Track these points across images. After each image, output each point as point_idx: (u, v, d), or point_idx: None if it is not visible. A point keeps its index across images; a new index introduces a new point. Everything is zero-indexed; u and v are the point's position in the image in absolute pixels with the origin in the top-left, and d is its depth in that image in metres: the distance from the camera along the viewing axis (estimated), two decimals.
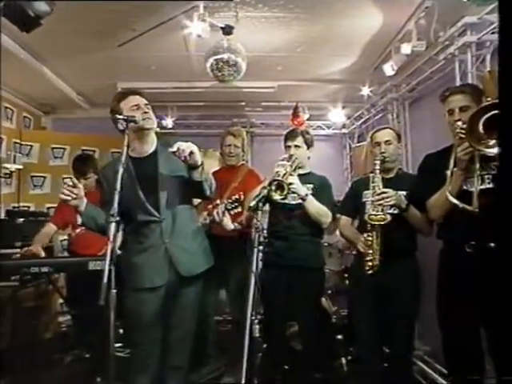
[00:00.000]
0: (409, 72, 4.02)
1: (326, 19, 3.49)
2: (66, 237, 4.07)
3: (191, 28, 3.14)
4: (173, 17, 3.18)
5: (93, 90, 5.27)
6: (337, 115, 5.50)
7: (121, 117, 2.10)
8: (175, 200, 2.24)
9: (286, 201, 2.71)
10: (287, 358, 3.12)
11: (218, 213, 2.85)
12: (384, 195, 2.39)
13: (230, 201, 2.89)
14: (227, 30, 3.45)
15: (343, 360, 3.53)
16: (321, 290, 3.05)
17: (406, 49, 3.41)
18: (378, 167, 2.52)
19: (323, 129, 5.96)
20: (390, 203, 2.40)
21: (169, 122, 5.72)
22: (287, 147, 2.86)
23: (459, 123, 2.01)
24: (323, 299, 3.63)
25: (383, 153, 2.59)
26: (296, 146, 2.83)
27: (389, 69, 3.75)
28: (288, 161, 2.61)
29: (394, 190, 2.45)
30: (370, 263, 2.44)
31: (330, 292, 3.99)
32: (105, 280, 1.66)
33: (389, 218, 2.39)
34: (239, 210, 2.94)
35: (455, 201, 2.01)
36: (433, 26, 3.14)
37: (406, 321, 2.56)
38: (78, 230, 3.48)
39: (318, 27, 3.61)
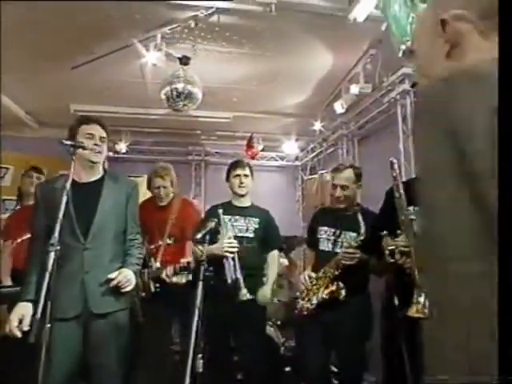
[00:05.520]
0: (357, 111, 4.23)
1: (281, 57, 3.65)
2: None
3: (147, 57, 3.16)
4: (129, 45, 3.19)
5: (43, 110, 5.11)
6: (290, 147, 5.66)
7: (68, 142, 2.04)
8: (108, 234, 2.14)
9: (241, 234, 2.73)
10: None
11: (167, 275, 2.80)
12: (350, 255, 2.38)
13: (179, 266, 2.83)
14: (184, 61, 3.51)
15: None
16: (264, 321, 3.04)
17: (354, 89, 3.63)
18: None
19: (276, 160, 6.08)
20: (353, 262, 2.38)
21: (122, 146, 5.62)
22: (236, 176, 2.83)
23: None
24: (271, 329, 3.61)
25: (339, 197, 2.58)
26: (246, 175, 2.85)
27: (339, 107, 3.95)
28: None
29: (344, 230, 2.50)
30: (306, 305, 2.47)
31: (279, 323, 3.98)
32: (38, 314, 1.56)
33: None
34: (190, 277, 2.85)
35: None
36: (377, 71, 3.38)
37: (355, 356, 2.53)
38: (18, 240, 3.22)
39: (273, 64, 3.77)
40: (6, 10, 2.75)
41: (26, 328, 1.83)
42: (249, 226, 2.79)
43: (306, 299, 2.45)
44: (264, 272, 2.94)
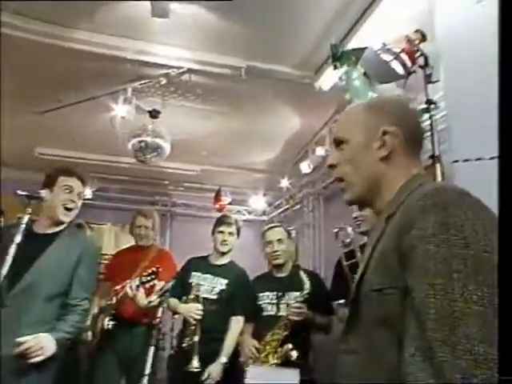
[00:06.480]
0: (324, 171, 4.34)
1: (250, 116, 3.77)
2: None
3: (116, 110, 3.18)
4: (98, 96, 3.22)
5: (7, 151, 4.99)
6: (257, 202, 5.70)
7: (23, 193, 1.96)
8: (39, 294, 1.87)
9: (205, 295, 2.62)
10: None
11: (131, 287, 2.62)
12: (298, 310, 2.30)
13: (145, 274, 2.67)
14: (154, 114, 3.55)
15: None
16: None
17: (320, 151, 3.76)
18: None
19: (244, 214, 6.08)
20: (300, 318, 2.30)
21: (87, 192, 5.51)
22: (220, 232, 2.75)
23: None
24: None
25: (275, 252, 2.56)
26: (230, 233, 2.79)
27: (305, 167, 4.05)
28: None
29: (286, 290, 2.44)
30: None
31: None
32: None
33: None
34: (155, 282, 2.71)
35: None
36: None
37: None
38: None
39: (242, 122, 3.88)
40: None
41: None
42: (214, 287, 2.64)
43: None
44: None
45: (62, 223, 2.00)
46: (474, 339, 0.56)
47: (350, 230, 2.23)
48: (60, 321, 1.89)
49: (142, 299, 2.62)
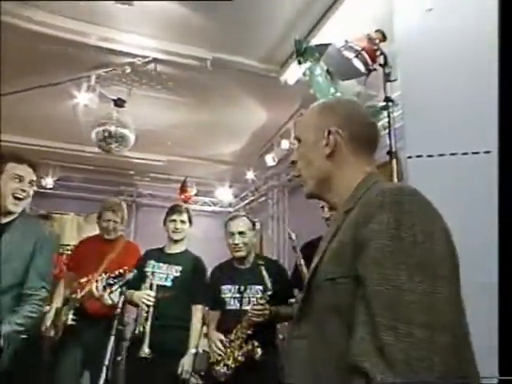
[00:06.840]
0: (288, 164, 4.41)
1: (217, 108, 3.78)
2: None
3: (79, 98, 3.11)
4: (60, 82, 3.13)
5: None
6: (223, 193, 5.73)
7: None
8: None
9: (159, 282, 2.63)
10: None
11: (97, 287, 2.61)
12: (259, 312, 2.28)
13: (112, 275, 2.66)
14: (119, 103, 3.49)
15: None
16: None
17: (285, 144, 3.82)
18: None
19: (209, 205, 6.09)
20: (262, 319, 2.27)
21: (49, 181, 5.35)
22: (172, 221, 2.77)
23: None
24: (193, 380, 3.47)
25: (237, 245, 2.52)
26: (182, 221, 2.81)
27: (270, 160, 4.11)
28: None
29: (248, 284, 2.43)
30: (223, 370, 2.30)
31: (202, 374, 3.84)
32: None
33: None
34: (121, 283, 2.71)
35: None
36: None
37: None
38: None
39: (209, 113, 3.88)
40: None
41: None
42: (169, 275, 2.68)
43: (222, 364, 2.30)
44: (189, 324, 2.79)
45: (11, 213, 1.90)
46: (415, 324, 0.62)
47: (293, 235, 2.24)
48: (12, 312, 1.80)
49: (108, 299, 2.61)
